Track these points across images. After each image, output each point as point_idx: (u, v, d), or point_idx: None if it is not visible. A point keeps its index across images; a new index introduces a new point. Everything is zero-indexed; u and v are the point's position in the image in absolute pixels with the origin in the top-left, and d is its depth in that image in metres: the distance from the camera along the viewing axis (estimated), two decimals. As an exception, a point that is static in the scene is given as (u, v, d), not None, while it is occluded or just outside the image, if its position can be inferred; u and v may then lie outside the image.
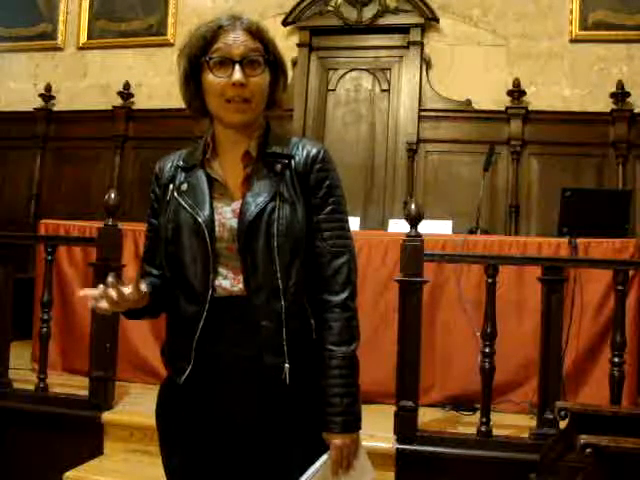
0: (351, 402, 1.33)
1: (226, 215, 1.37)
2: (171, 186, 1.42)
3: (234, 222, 1.35)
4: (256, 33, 1.37)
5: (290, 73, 5.00)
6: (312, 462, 1.32)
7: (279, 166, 1.37)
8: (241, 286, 1.35)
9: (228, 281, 1.35)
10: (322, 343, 1.35)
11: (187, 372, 1.35)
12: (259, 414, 1.34)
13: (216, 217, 1.36)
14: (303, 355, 1.34)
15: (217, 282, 1.35)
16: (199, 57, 1.37)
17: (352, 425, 1.33)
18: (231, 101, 1.34)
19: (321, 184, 1.38)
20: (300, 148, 1.40)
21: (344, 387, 1.33)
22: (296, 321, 1.33)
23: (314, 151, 1.39)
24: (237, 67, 1.32)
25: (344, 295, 1.36)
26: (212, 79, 1.35)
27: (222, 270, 1.35)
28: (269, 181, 1.36)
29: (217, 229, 1.36)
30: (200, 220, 1.35)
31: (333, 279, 1.36)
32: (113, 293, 1.25)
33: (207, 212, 1.36)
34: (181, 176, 1.42)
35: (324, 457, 1.33)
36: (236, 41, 1.34)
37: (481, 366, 2.70)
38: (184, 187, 1.40)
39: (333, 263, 1.36)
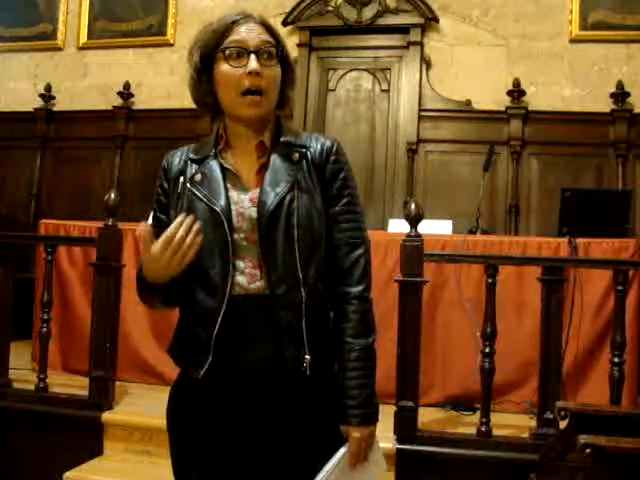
0: (369, 394, 1.33)
1: (244, 204, 1.35)
2: (182, 178, 1.39)
3: (253, 211, 1.33)
4: (269, 27, 1.39)
5: (290, 73, 5.02)
6: (333, 454, 1.32)
7: (296, 155, 1.37)
8: (260, 280, 1.33)
9: (245, 277, 1.33)
10: (340, 335, 1.34)
11: (206, 365, 1.31)
12: (281, 407, 1.32)
13: (233, 207, 1.34)
14: (322, 346, 1.33)
15: (235, 276, 1.32)
16: (213, 50, 1.35)
17: (370, 417, 1.34)
18: (246, 93, 1.32)
19: (337, 176, 1.38)
20: (314, 140, 1.40)
21: (362, 379, 1.33)
22: (316, 312, 1.33)
23: (328, 143, 1.40)
24: (253, 57, 1.32)
25: (361, 287, 1.36)
26: (228, 70, 1.34)
27: (239, 263, 1.33)
28: (286, 170, 1.35)
29: (235, 219, 1.33)
30: (217, 209, 1.32)
31: (351, 271, 1.36)
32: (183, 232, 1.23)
33: (223, 201, 1.33)
34: (192, 168, 1.40)
35: (342, 450, 1.33)
36: (251, 33, 1.35)
37: (481, 366, 2.70)
38: (197, 177, 1.38)
39: (351, 255, 1.36)
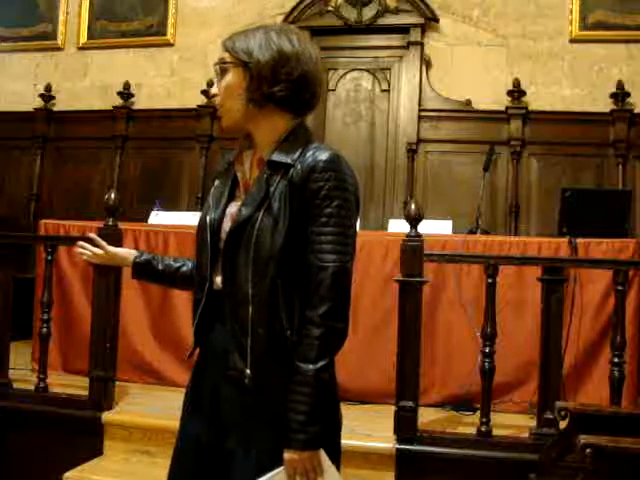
0: (306, 421, 1.29)
1: (227, 219, 1.44)
2: (216, 180, 1.52)
3: (228, 227, 1.42)
4: (225, 44, 1.45)
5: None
6: (266, 470, 1.32)
7: (276, 175, 1.37)
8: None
9: (221, 278, 1.43)
10: (293, 357, 1.33)
11: (192, 349, 1.50)
12: (227, 407, 1.40)
13: (225, 219, 1.44)
14: (270, 364, 1.34)
15: (215, 277, 1.44)
16: None
17: (303, 443, 1.30)
18: None
19: (317, 194, 1.34)
20: (306, 156, 1.37)
21: (302, 404, 1.30)
22: (264, 329, 1.34)
23: (317, 159, 1.36)
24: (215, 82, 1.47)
25: (319, 311, 1.32)
26: None
27: (220, 267, 1.43)
28: (260, 191, 1.38)
29: (222, 230, 1.43)
30: (208, 220, 1.45)
31: (313, 293, 1.33)
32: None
33: (218, 213, 1.44)
34: (223, 170, 1.51)
35: (279, 469, 1.32)
36: None
37: (481, 366, 2.70)
38: (216, 183, 1.50)
39: (316, 277, 1.33)
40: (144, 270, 1.67)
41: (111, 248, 1.74)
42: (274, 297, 1.34)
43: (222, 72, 1.43)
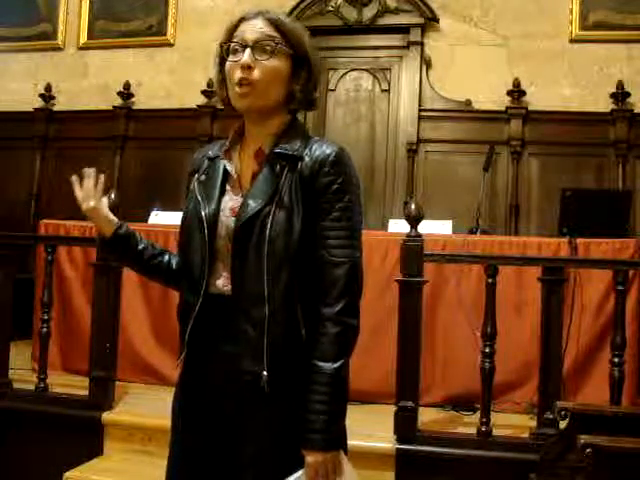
0: (328, 420, 1.27)
1: (226, 213, 1.36)
2: (196, 175, 1.44)
3: (231, 221, 1.35)
4: (276, 23, 1.37)
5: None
6: (285, 475, 1.29)
7: (284, 167, 1.34)
8: (230, 286, 1.35)
9: (221, 280, 1.36)
10: (310, 356, 1.30)
11: (182, 357, 1.39)
12: (238, 415, 1.33)
13: (220, 213, 1.37)
14: (287, 364, 1.31)
15: (212, 279, 1.36)
16: (222, 47, 1.39)
17: (326, 444, 1.27)
18: (238, 85, 1.34)
19: (328, 189, 1.32)
20: (313, 149, 1.35)
21: (323, 404, 1.27)
22: (281, 329, 1.29)
23: (326, 153, 1.34)
24: (247, 50, 1.34)
25: (337, 308, 1.29)
26: (227, 64, 1.37)
27: (219, 267, 1.36)
28: (270, 183, 1.33)
29: (219, 225, 1.36)
30: (203, 215, 1.36)
31: (328, 290, 1.30)
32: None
33: (213, 207, 1.36)
34: (204, 166, 1.44)
35: (299, 472, 1.29)
36: (253, 28, 1.36)
37: (481, 366, 2.70)
38: (202, 178, 1.42)
39: (331, 274, 1.30)
40: (121, 244, 1.47)
41: (105, 203, 1.52)
42: (290, 295, 1.30)
43: (270, 51, 1.34)
